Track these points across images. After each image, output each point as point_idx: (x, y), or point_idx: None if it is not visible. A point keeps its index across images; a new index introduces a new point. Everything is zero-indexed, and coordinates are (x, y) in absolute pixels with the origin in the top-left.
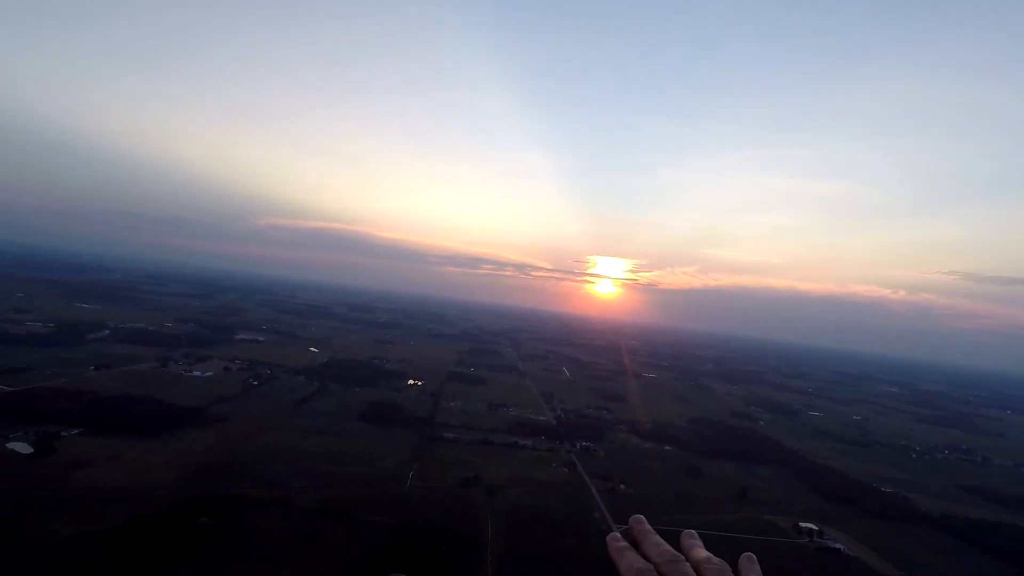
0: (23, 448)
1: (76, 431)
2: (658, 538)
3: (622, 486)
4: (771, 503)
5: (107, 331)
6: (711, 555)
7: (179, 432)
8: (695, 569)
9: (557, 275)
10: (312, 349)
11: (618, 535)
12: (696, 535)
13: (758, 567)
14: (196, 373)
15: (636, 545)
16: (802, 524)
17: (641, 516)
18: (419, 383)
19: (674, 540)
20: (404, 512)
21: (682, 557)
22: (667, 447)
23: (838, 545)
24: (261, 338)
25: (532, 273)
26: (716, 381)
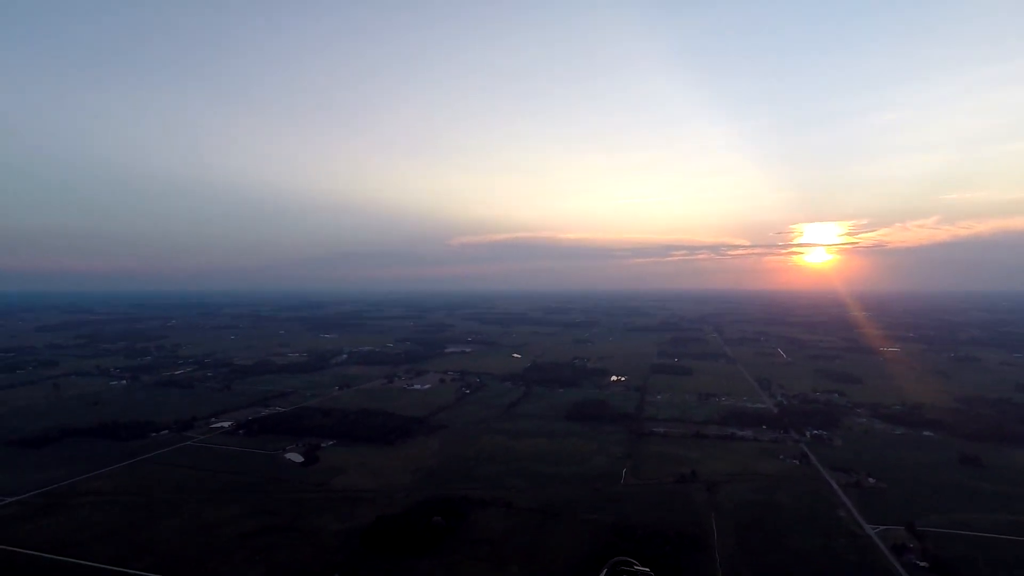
0: (296, 457)
1: (331, 442)
2: None
3: (870, 479)
4: None
5: (344, 355)
6: None
7: (409, 440)
8: None
9: (758, 251)
10: (515, 355)
11: None
12: None
13: None
14: (417, 386)
15: None
16: None
17: None
18: (622, 379)
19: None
20: (621, 510)
21: None
22: (926, 432)
23: None
24: (468, 349)
25: (728, 253)
26: (986, 350)
